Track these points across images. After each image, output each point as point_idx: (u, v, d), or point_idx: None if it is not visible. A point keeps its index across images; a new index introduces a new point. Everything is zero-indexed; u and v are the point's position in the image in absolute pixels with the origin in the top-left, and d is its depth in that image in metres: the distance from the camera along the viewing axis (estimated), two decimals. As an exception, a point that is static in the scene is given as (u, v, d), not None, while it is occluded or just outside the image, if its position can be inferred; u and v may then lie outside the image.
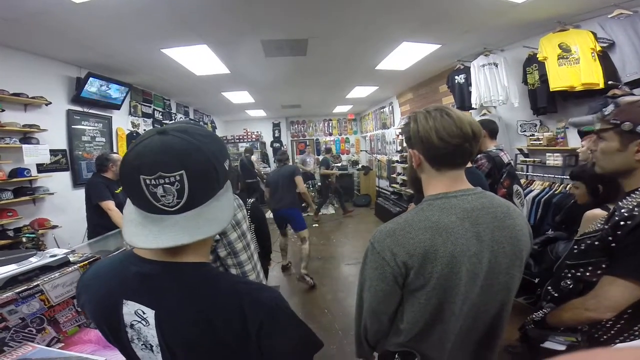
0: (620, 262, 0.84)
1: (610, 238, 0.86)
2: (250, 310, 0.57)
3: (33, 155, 3.15)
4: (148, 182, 0.52)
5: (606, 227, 0.89)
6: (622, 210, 0.86)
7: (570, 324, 0.94)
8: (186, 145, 0.54)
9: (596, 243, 0.90)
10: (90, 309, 0.66)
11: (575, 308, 0.92)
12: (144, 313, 0.59)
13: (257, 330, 0.57)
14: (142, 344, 0.61)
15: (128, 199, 0.60)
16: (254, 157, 7.26)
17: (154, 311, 0.58)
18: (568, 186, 2.95)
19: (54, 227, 3.34)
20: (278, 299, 0.61)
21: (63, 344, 1.04)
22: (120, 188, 3.05)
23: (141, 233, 0.55)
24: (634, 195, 0.89)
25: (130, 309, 0.60)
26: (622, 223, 0.84)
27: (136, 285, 0.60)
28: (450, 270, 0.75)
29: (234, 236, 1.21)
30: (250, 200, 2.21)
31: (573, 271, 0.95)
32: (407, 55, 4.28)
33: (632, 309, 0.84)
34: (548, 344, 0.94)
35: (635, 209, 0.84)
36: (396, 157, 7.16)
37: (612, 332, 0.87)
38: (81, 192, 2.99)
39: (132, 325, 0.61)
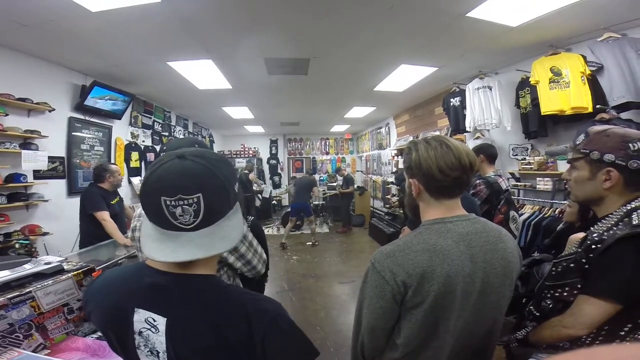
0: (593, 282, 0.89)
1: (583, 260, 0.91)
2: (256, 320, 0.61)
3: (31, 161, 3.14)
4: (168, 202, 0.58)
5: (580, 250, 0.94)
6: (594, 235, 0.92)
7: (551, 341, 0.97)
8: (203, 170, 0.60)
9: (571, 265, 0.95)
10: (98, 316, 0.69)
11: (554, 326, 0.96)
12: (154, 320, 0.62)
13: (262, 339, 0.60)
14: (148, 351, 0.63)
15: (145, 217, 0.64)
16: (251, 175, 7.53)
17: (165, 319, 0.61)
18: (557, 210, 3.00)
19: (45, 234, 3.29)
20: (280, 309, 0.66)
21: (49, 351, 1.02)
22: (117, 199, 3.04)
23: (159, 248, 0.61)
24: (604, 221, 0.94)
25: (141, 317, 0.63)
26: (593, 246, 0.89)
27: (149, 294, 0.64)
28: (446, 289, 0.80)
29: (244, 249, 1.33)
30: (251, 218, 2.26)
31: (552, 292, 1.00)
32: (405, 77, 4.41)
33: (608, 325, 0.88)
34: None
35: (605, 233, 0.89)
36: (391, 179, 7.23)
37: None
38: (75, 201, 2.97)
39: (140, 333, 0.63)
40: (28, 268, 1.14)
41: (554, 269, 1.02)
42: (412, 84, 4.68)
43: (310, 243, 6.46)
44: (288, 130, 10.36)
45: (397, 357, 0.88)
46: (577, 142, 0.99)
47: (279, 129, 9.76)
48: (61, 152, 3.79)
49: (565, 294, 0.96)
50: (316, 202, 8.78)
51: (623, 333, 0.87)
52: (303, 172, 11.12)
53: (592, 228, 0.96)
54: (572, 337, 0.91)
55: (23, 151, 3.08)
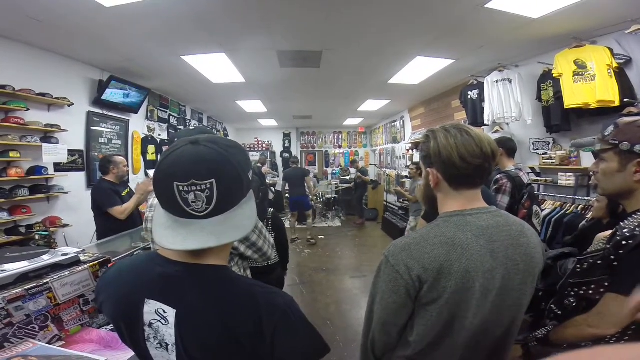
0: (622, 279, 0.86)
1: (612, 257, 0.88)
2: (266, 313, 0.60)
3: (52, 155, 3.25)
4: (181, 188, 0.57)
5: (608, 246, 0.90)
6: (624, 230, 0.88)
7: (573, 340, 0.94)
8: (217, 156, 0.59)
9: (599, 262, 0.91)
10: (110, 307, 0.69)
11: (578, 325, 0.92)
12: (164, 312, 0.61)
13: (272, 332, 0.59)
14: (157, 343, 0.63)
15: (158, 204, 0.63)
16: (264, 168, 7.57)
17: (175, 310, 0.61)
18: (580, 206, 2.89)
19: (65, 225, 3.41)
20: (291, 302, 0.65)
21: (64, 343, 1.04)
22: (127, 190, 3.08)
23: (170, 235, 0.59)
24: (635, 216, 0.90)
25: (151, 308, 0.62)
26: (624, 242, 0.85)
27: (160, 285, 0.63)
28: (464, 285, 0.76)
29: (255, 237, 1.33)
30: (271, 210, 2.30)
31: (576, 289, 0.97)
32: (420, 70, 4.31)
33: (635, 325, 0.84)
34: None
35: (637, 229, 0.85)
36: (405, 172, 7.12)
37: None
38: (95, 193, 3.03)
39: (150, 324, 0.63)
40: (46, 259, 1.16)
41: (578, 266, 0.98)
42: (428, 76, 4.57)
43: (308, 239, 6.14)
44: (301, 124, 10.34)
45: (409, 354, 0.85)
46: (606, 134, 0.95)
47: (292, 122, 9.76)
48: (80, 145, 3.90)
49: (590, 292, 0.92)
50: (313, 198, 7.67)
51: None
52: (315, 165, 11.12)
53: (622, 223, 0.92)
54: (597, 337, 0.88)
55: (44, 145, 3.18)
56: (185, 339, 0.60)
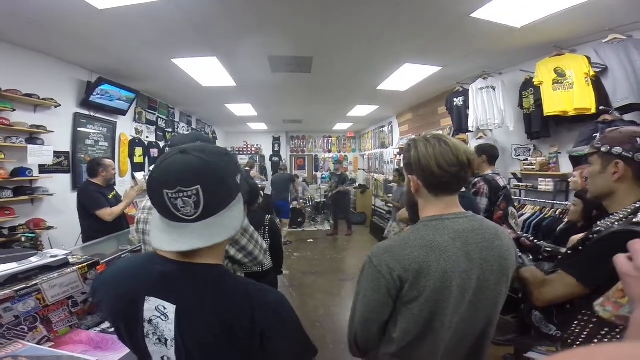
0: (575, 262, 0.97)
1: (580, 247, 0.99)
2: (259, 310, 0.64)
3: (37, 156, 3.18)
4: (170, 195, 0.61)
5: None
6: (597, 229, 0.98)
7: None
8: (202, 164, 0.63)
9: (569, 252, 1.04)
10: (109, 305, 0.71)
11: (530, 289, 1.05)
12: (164, 308, 0.65)
13: (264, 328, 0.63)
14: (156, 339, 0.66)
15: (155, 209, 0.68)
16: (252, 172, 7.52)
17: (175, 306, 0.64)
18: (558, 210, 3.00)
19: (49, 228, 3.34)
20: (282, 300, 0.69)
21: (53, 343, 1.05)
22: (113, 193, 3.05)
23: (165, 238, 0.65)
24: (612, 217, 0.99)
25: (151, 305, 0.65)
26: (590, 236, 0.97)
27: (160, 282, 0.67)
28: (442, 284, 0.82)
29: (245, 241, 1.36)
30: (268, 217, 2.34)
31: None
32: (408, 77, 4.41)
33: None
34: (531, 354, 1.04)
35: (604, 226, 0.96)
36: (392, 177, 7.21)
37: (581, 338, 0.97)
38: (80, 195, 2.99)
39: (150, 321, 0.66)
40: (34, 261, 1.17)
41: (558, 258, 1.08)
42: (416, 83, 4.68)
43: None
44: (291, 128, 10.35)
45: (393, 351, 0.89)
46: (595, 140, 1.05)
47: (282, 126, 9.76)
48: (66, 147, 3.83)
49: None
50: (296, 201, 8.11)
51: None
52: (305, 169, 11.14)
53: (598, 222, 1.01)
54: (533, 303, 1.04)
55: (29, 146, 3.12)
56: (184, 334, 0.64)
